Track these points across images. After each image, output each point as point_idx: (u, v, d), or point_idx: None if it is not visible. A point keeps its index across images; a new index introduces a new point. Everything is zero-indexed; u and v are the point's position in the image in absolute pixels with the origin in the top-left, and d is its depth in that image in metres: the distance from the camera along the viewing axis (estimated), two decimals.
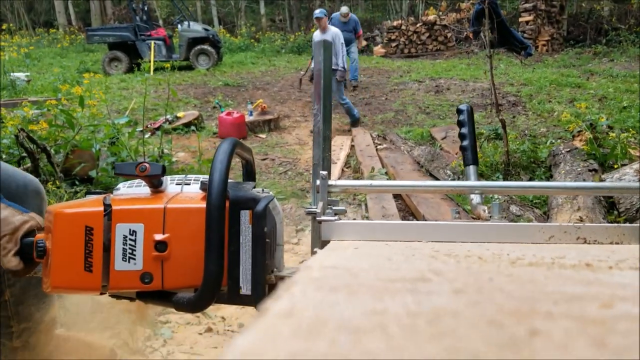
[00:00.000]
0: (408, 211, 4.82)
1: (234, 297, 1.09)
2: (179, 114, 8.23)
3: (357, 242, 1.12)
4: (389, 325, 0.33)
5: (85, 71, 11.84)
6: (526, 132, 7.11)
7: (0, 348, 1.67)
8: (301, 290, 0.43)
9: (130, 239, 1.07)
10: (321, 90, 1.40)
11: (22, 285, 1.61)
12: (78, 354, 1.91)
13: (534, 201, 4.74)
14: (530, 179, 5.31)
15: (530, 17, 15.07)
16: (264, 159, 6.95)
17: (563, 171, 4.87)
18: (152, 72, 12.13)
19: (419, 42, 16.65)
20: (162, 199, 1.14)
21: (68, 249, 1.07)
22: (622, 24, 15.67)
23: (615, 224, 1.18)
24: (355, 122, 8.40)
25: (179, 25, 14.26)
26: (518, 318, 0.35)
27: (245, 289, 1.09)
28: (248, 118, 8.37)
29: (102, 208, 1.08)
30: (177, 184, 1.25)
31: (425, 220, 4.16)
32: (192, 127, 7.92)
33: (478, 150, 1.52)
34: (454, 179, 5.43)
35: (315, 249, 1.08)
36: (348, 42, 10.71)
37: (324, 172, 1.28)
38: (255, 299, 1.08)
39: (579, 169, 4.76)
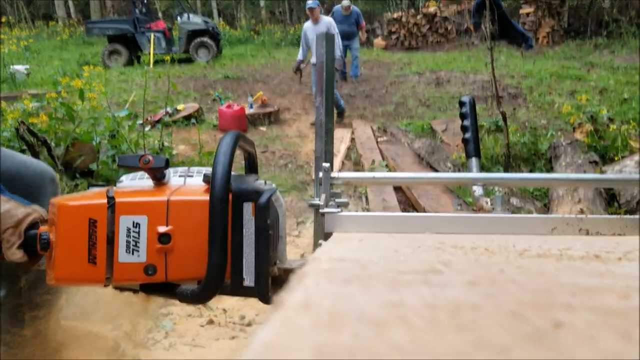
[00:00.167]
0: (408, 203, 4.82)
1: (237, 289, 1.10)
2: (179, 107, 8.22)
3: (361, 234, 1.12)
4: (409, 317, 0.33)
5: (85, 64, 11.79)
6: (527, 124, 7.10)
7: (6, 336, 1.69)
8: (314, 282, 0.43)
9: (133, 232, 1.07)
10: (323, 83, 1.39)
11: (37, 273, 1.63)
12: (84, 344, 1.93)
13: (535, 193, 4.74)
14: (531, 172, 5.31)
15: (531, 9, 15.01)
16: (265, 152, 6.95)
17: (564, 163, 4.87)
18: (151, 65, 12.10)
19: (419, 35, 16.58)
20: (165, 191, 1.14)
21: (72, 242, 1.07)
22: (623, 16, 15.61)
23: (617, 216, 1.18)
24: (340, 113, 8.39)
25: (179, 18, 14.19)
26: (538, 310, 0.35)
27: (249, 280, 1.09)
28: (248, 111, 8.35)
29: (105, 200, 1.08)
30: (180, 177, 1.25)
31: (426, 212, 4.15)
32: (193, 120, 7.90)
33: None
34: (454, 172, 5.43)
35: (320, 241, 1.08)
36: (350, 36, 10.66)
37: (327, 165, 1.29)
38: (258, 290, 1.09)
39: (579, 161, 4.76)
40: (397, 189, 5.00)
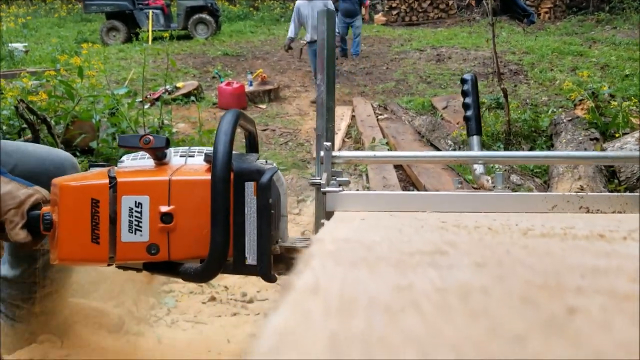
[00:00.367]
0: (409, 181, 4.82)
1: (240, 267, 1.11)
2: (179, 85, 8.18)
3: (362, 212, 1.13)
4: (420, 303, 0.33)
5: (83, 41, 11.70)
6: (528, 101, 7.07)
7: (15, 311, 1.74)
8: (321, 265, 0.43)
9: (136, 211, 1.08)
10: (325, 60, 1.38)
11: None
12: (90, 320, 1.97)
13: (535, 170, 4.74)
14: (531, 148, 5.31)
15: None
16: (265, 130, 6.93)
17: (564, 140, 4.86)
18: (150, 42, 12.00)
19: (420, 10, 16.41)
20: (167, 171, 1.14)
21: (75, 222, 1.08)
22: None
23: (618, 194, 1.19)
24: None
25: None
26: (550, 294, 0.35)
27: (251, 259, 1.10)
28: (248, 88, 8.30)
29: (107, 181, 1.09)
30: (181, 156, 1.25)
31: (427, 190, 4.16)
32: (192, 98, 7.86)
33: None
34: (454, 149, 5.42)
35: (322, 221, 1.08)
36: (353, 14, 10.54)
37: (328, 144, 1.28)
38: (260, 268, 1.09)
39: (580, 138, 4.74)
40: (398, 167, 4.99)
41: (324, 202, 1.20)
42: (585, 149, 4.53)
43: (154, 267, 1.16)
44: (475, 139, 1.43)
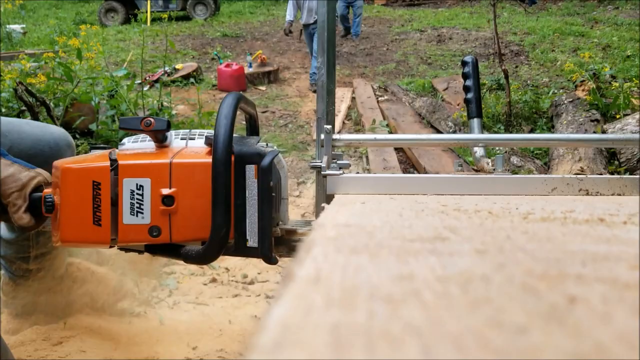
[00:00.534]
0: (409, 163, 4.82)
1: (241, 250, 1.12)
2: (178, 66, 8.14)
3: (363, 195, 1.13)
4: (421, 293, 0.33)
5: (82, 22, 11.62)
6: (528, 82, 7.04)
7: (12, 266, 1.83)
8: (322, 252, 0.43)
9: (137, 194, 1.08)
10: (325, 43, 1.38)
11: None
12: (87, 282, 2.02)
13: (535, 152, 4.74)
14: (532, 130, 5.30)
15: None
16: (264, 112, 6.91)
17: (565, 121, 4.85)
18: (149, 23, 11.91)
19: None
20: (168, 153, 1.14)
21: (76, 204, 1.08)
22: None
23: (617, 176, 1.19)
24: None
25: None
26: (550, 282, 0.35)
27: (252, 241, 1.10)
28: (247, 70, 8.27)
29: (108, 163, 1.09)
30: (181, 139, 1.25)
31: (427, 172, 4.16)
32: (191, 80, 7.83)
33: None
34: (455, 131, 5.41)
35: (322, 204, 1.09)
36: None
37: (328, 127, 1.28)
38: (261, 251, 1.10)
39: (580, 120, 4.73)
40: (398, 149, 4.99)
41: (324, 185, 1.21)
42: (586, 131, 4.53)
43: (155, 249, 1.17)
44: (475, 122, 1.43)
